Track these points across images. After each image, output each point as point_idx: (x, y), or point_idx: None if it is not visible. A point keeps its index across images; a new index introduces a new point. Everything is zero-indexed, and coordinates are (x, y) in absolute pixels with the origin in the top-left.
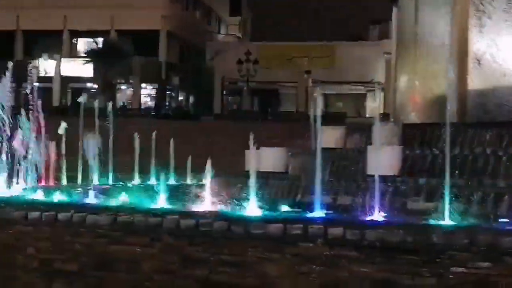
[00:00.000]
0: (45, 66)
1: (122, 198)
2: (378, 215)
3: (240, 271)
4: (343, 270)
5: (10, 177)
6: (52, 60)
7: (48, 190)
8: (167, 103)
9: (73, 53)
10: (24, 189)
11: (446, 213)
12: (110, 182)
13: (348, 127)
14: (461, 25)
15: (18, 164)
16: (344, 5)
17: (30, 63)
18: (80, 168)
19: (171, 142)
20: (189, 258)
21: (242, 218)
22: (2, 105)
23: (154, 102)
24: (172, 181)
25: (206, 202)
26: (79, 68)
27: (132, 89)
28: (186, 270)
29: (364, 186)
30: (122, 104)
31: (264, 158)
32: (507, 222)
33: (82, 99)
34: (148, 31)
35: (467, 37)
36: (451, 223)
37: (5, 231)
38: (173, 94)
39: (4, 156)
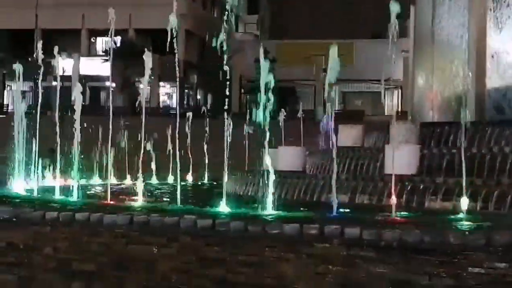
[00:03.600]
0: (64, 65)
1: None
2: (395, 215)
3: (257, 271)
4: (360, 271)
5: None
6: (71, 59)
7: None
8: (185, 102)
9: (91, 52)
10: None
11: (463, 212)
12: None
13: (366, 125)
14: (478, 24)
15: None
16: (363, 3)
17: (49, 62)
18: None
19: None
20: (206, 258)
21: (258, 218)
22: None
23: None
24: (190, 179)
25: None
26: (97, 67)
27: (150, 87)
28: (203, 270)
29: (382, 185)
30: (138, 102)
31: (282, 157)
32: None
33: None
34: (166, 30)
35: (485, 36)
36: (468, 222)
37: (25, 232)
38: (191, 93)
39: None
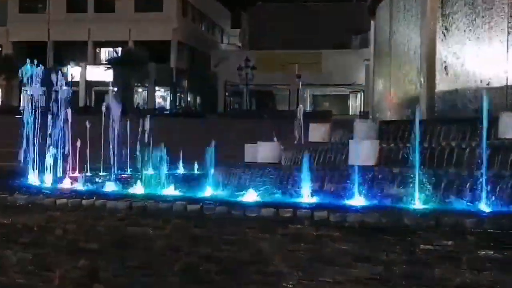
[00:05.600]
0: (72, 72)
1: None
2: (357, 200)
3: (238, 248)
4: (327, 248)
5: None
6: (78, 67)
7: (74, 180)
8: (177, 104)
9: (96, 61)
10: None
11: (416, 198)
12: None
13: (333, 123)
14: (429, 36)
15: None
16: (331, 17)
17: (60, 70)
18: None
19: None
20: (195, 237)
21: (240, 203)
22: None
23: (166, 102)
24: (181, 170)
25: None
26: (101, 73)
27: (147, 91)
28: (192, 248)
29: (346, 174)
30: (137, 104)
31: (261, 152)
32: (469, 205)
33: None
34: (161, 42)
35: (435, 45)
36: (420, 206)
37: (38, 216)
38: (182, 96)
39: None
